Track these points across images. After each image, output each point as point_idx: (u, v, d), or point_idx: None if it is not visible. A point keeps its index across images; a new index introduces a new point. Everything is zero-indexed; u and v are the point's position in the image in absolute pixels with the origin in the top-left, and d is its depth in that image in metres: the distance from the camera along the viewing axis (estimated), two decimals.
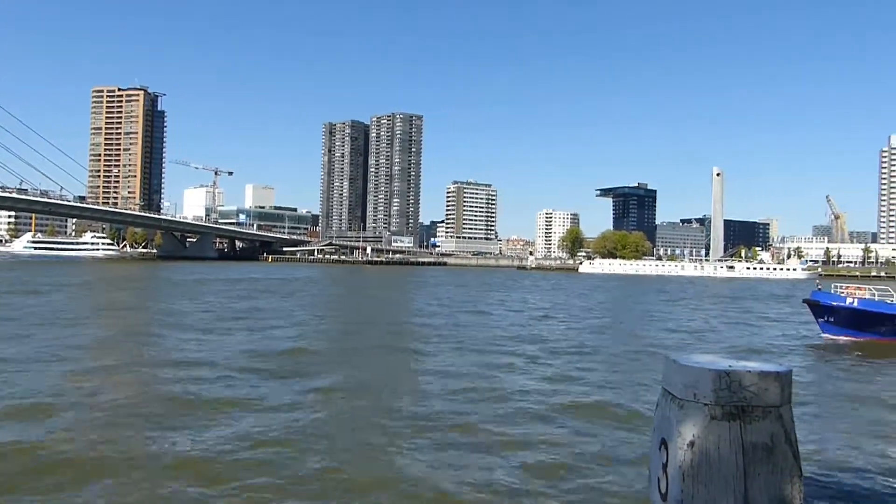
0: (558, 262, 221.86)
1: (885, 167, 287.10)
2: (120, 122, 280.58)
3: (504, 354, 22.71)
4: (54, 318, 30.09)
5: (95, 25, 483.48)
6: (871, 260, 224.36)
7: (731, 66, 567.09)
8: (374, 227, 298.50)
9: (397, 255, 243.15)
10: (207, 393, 15.13)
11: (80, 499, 8.88)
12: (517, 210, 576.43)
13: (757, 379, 2.55)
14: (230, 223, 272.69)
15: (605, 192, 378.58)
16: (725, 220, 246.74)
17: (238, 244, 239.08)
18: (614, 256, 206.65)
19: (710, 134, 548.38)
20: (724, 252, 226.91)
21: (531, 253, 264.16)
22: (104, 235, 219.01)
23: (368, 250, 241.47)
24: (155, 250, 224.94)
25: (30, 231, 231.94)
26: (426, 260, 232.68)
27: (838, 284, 30.67)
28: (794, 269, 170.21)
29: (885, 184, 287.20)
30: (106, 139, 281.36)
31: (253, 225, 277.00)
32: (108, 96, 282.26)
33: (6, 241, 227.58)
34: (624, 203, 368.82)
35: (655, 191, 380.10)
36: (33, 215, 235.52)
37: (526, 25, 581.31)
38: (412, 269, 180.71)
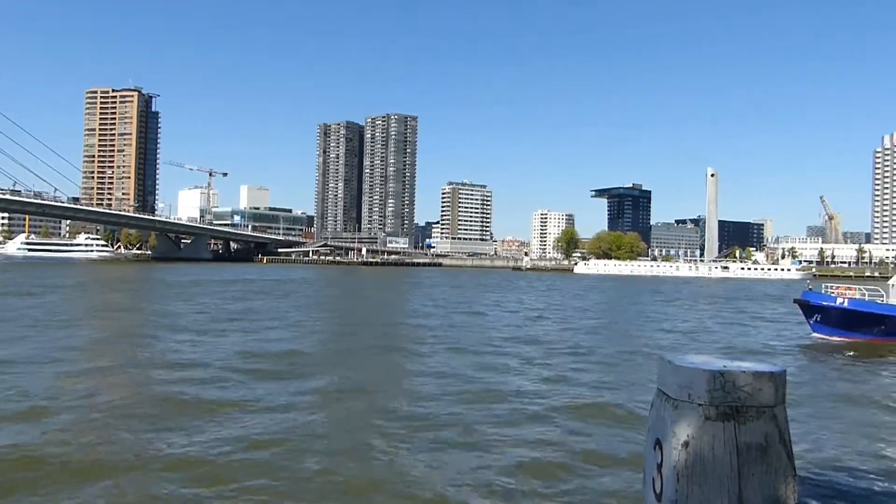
0: (553, 262, 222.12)
1: (878, 168, 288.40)
2: (114, 124, 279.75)
3: (500, 355, 22.72)
4: (48, 320, 29.98)
5: (88, 26, 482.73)
6: (865, 260, 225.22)
7: (727, 68, 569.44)
8: (369, 228, 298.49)
9: (392, 257, 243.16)
10: (203, 394, 15.11)
11: (77, 499, 8.87)
12: (512, 211, 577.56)
13: (751, 379, 2.55)
14: (225, 224, 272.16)
15: (600, 193, 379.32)
16: (720, 221, 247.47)
17: (233, 245, 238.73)
18: (609, 257, 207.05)
19: (705, 135, 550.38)
20: (719, 252, 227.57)
21: (526, 254, 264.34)
22: (98, 237, 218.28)
23: (363, 251, 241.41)
24: (149, 252, 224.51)
25: (23, 233, 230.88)
26: (421, 261, 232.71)
27: (828, 285, 30.83)
28: (789, 270, 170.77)
29: (878, 184, 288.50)
30: (100, 140, 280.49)
31: (248, 226, 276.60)
32: (101, 97, 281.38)
33: None
34: (619, 204, 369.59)
35: (650, 191, 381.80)
36: (27, 217, 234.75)
37: (521, 26, 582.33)
38: (407, 270, 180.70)
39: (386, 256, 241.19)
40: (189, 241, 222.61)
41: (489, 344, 25.75)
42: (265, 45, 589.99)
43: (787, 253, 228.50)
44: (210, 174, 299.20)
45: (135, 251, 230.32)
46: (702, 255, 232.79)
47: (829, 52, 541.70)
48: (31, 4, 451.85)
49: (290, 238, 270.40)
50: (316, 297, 55.93)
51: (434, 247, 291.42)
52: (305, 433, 12.14)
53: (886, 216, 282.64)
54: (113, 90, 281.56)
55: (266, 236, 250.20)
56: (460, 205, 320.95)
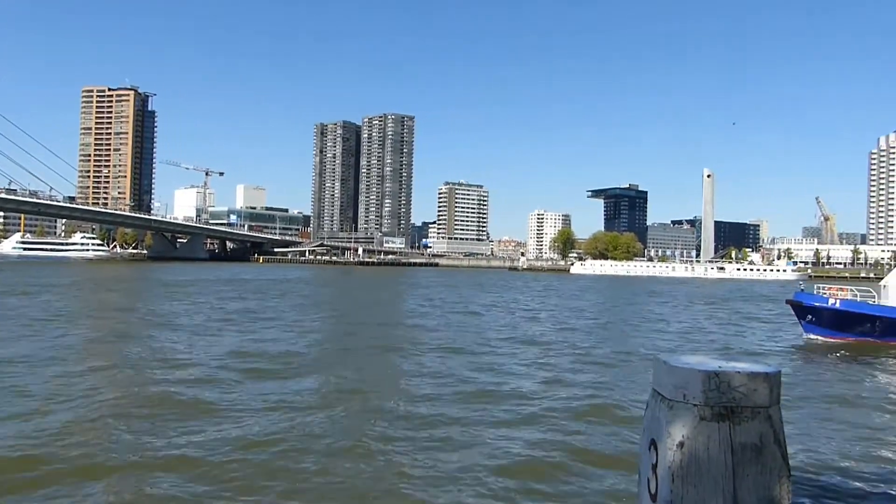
0: (550, 263, 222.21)
1: (874, 169, 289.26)
2: (110, 123, 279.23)
3: (497, 356, 22.76)
4: (44, 320, 29.92)
5: (85, 25, 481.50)
6: (861, 261, 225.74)
7: (723, 69, 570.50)
8: (365, 228, 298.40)
9: (389, 256, 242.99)
10: (200, 394, 15.10)
11: (76, 499, 8.87)
12: (509, 211, 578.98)
13: (746, 380, 2.56)
14: (221, 224, 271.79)
15: (596, 194, 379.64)
16: (716, 222, 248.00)
17: (229, 245, 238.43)
18: (605, 257, 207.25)
19: (701, 136, 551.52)
20: (715, 253, 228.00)
21: (523, 254, 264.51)
22: (94, 236, 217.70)
23: (360, 251, 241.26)
24: (145, 251, 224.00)
25: (19, 232, 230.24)
26: (418, 261, 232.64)
27: (820, 285, 30.98)
28: (784, 271, 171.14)
29: (874, 186, 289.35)
30: (96, 139, 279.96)
31: (244, 226, 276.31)
32: (97, 96, 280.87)
33: None
34: (615, 204, 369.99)
35: (646, 192, 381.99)
36: (22, 216, 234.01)
37: (518, 27, 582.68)
38: (404, 269, 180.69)
39: (382, 256, 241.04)
40: (185, 241, 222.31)
41: (486, 344, 25.78)
42: (262, 44, 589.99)
43: (782, 254, 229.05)
44: (206, 173, 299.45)
45: (131, 250, 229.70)
46: (698, 255, 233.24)
47: (826, 54, 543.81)
48: (27, 4, 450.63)
49: (287, 238, 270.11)
50: (313, 297, 55.88)
51: (430, 247, 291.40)
52: (303, 433, 12.15)
53: (882, 217, 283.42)
54: (109, 89, 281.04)
55: (262, 236, 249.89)
56: (457, 205, 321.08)
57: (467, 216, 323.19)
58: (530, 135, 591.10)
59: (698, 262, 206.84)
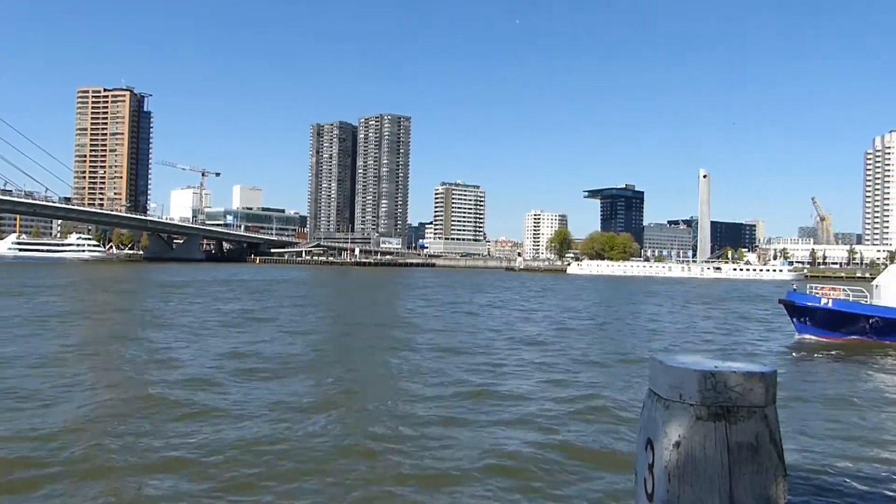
0: (546, 263, 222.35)
1: (869, 169, 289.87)
2: (106, 123, 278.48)
3: (494, 356, 22.79)
4: (39, 321, 29.85)
5: (80, 25, 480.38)
6: (857, 261, 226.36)
7: (720, 70, 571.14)
8: (362, 229, 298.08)
9: (386, 257, 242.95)
10: (196, 396, 15.10)
11: (75, 499, 8.86)
12: (505, 211, 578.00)
13: (742, 379, 2.57)
14: (217, 224, 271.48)
15: (592, 194, 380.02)
16: (712, 222, 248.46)
17: (225, 245, 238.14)
18: (602, 258, 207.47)
19: (698, 136, 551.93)
20: (711, 253, 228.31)
21: (519, 254, 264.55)
22: (90, 237, 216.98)
23: (356, 251, 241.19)
24: (141, 252, 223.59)
25: (14, 232, 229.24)
26: (414, 261, 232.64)
27: (813, 285, 31.12)
28: (780, 271, 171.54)
29: (869, 186, 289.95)
30: (91, 140, 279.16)
31: (240, 226, 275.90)
32: (93, 97, 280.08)
33: None
34: (612, 204, 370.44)
35: (643, 192, 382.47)
36: (17, 217, 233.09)
37: (515, 28, 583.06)
38: (401, 270, 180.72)
39: (379, 257, 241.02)
40: (181, 242, 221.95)
41: (483, 345, 25.81)
42: (258, 44, 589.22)
43: (778, 254, 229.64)
44: (202, 174, 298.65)
45: (127, 251, 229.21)
46: (694, 255, 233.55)
47: (822, 55, 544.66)
48: (23, 3, 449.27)
49: (283, 238, 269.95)
50: (310, 298, 55.85)
51: (427, 247, 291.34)
52: (301, 434, 12.15)
53: (877, 217, 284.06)
54: (105, 90, 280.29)
55: (259, 236, 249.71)
56: (453, 205, 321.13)
57: (464, 216, 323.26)
58: (527, 135, 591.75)
59: (695, 262, 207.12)
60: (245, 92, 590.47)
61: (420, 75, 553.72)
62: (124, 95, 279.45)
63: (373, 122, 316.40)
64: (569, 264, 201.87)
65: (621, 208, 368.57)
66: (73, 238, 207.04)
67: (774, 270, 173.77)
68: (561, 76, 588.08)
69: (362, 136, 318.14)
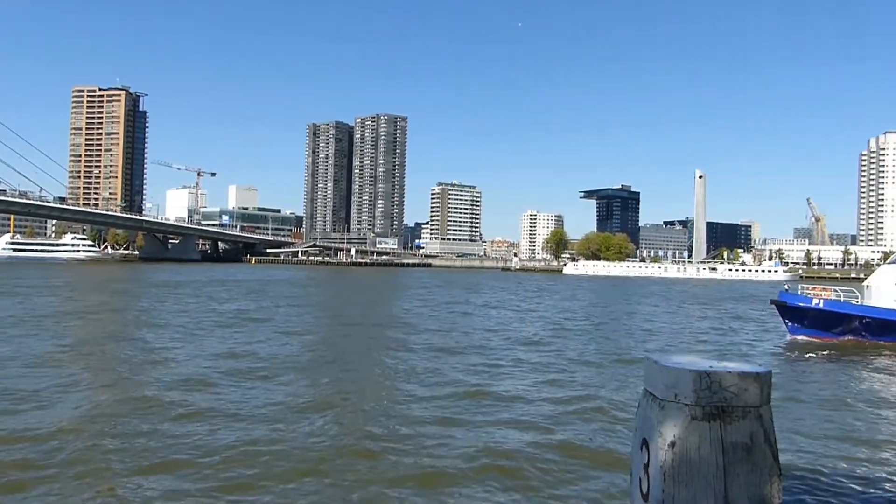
0: (542, 263, 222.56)
1: (864, 170, 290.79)
2: (101, 123, 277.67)
3: (490, 357, 22.81)
4: (34, 321, 29.76)
5: (76, 25, 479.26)
6: (851, 262, 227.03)
7: (715, 71, 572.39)
8: (358, 229, 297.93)
9: (382, 257, 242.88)
10: (193, 397, 15.08)
11: (73, 499, 8.85)
12: (502, 212, 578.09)
13: (737, 379, 2.58)
14: (213, 224, 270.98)
15: (588, 194, 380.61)
16: (708, 223, 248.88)
17: (221, 246, 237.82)
18: (598, 258, 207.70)
19: (693, 137, 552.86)
20: (707, 254, 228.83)
21: (515, 254, 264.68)
22: (85, 237, 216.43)
23: (353, 252, 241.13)
24: (137, 252, 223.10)
25: (8, 232, 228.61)
26: (410, 261, 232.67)
27: (804, 286, 31.22)
28: (776, 271, 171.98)
29: (864, 187, 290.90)
30: (87, 140, 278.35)
31: (236, 226, 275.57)
32: (88, 96, 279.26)
33: None
34: (608, 205, 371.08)
35: (639, 193, 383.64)
36: (12, 217, 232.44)
37: (511, 29, 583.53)
38: (397, 270, 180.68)
39: (375, 257, 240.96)
40: (177, 242, 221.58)
41: (480, 345, 25.84)
42: (254, 45, 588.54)
43: (774, 254, 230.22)
44: (198, 174, 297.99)
45: (122, 251, 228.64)
46: (690, 256, 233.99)
47: (817, 56, 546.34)
48: (19, 2, 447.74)
49: (279, 238, 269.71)
50: (306, 298, 55.81)
51: (423, 247, 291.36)
52: (298, 434, 12.16)
53: (872, 218, 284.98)
54: (100, 89, 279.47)
55: (255, 236, 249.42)
56: (450, 205, 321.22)
57: (460, 217, 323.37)
58: (523, 135, 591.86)
59: (690, 262, 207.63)
60: (241, 92, 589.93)
61: (416, 75, 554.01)
62: (120, 95, 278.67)
63: (369, 122, 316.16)
64: (565, 265, 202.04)
65: (617, 209, 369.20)
66: (67, 238, 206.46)
67: (770, 271, 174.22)
68: (557, 77, 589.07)
69: (359, 136, 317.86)
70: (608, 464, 10.72)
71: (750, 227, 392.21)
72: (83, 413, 13.31)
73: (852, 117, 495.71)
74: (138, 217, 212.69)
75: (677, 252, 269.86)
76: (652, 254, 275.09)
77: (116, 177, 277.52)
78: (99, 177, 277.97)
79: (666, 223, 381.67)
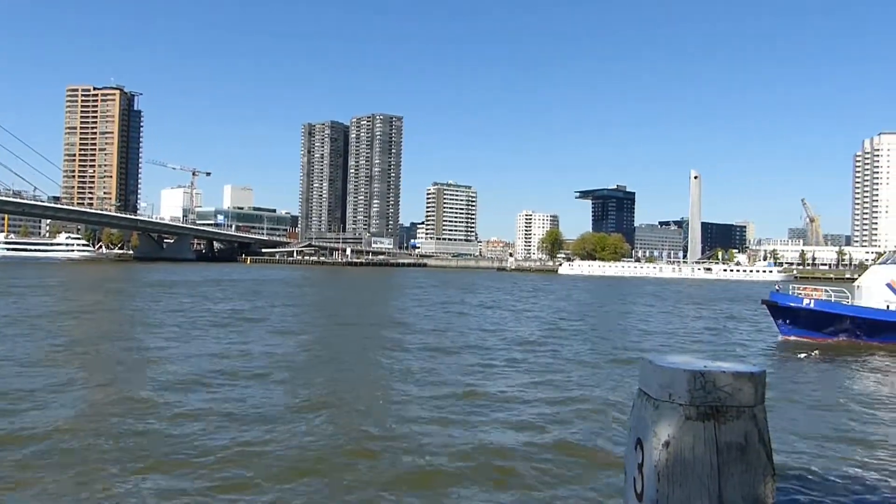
0: (538, 263, 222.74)
1: (858, 171, 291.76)
2: (95, 122, 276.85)
3: (486, 357, 22.83)
4: (29, 321, 29.66)
5: (70, 24, 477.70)
6: (846, 262, 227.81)
7: (710, 71, 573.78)
8: (353, 229, 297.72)
9: (378, 257, 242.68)
10: (185, 397, 15.06)
11: (64, 500, 8.84)
12: (497, 212, 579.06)
13: (731, 379, 2.57)
14: (208, 224, 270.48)
15: (584, 195, 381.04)
16: (703, 223, 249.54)
17: (216, 245, 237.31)
18: (593, 258, 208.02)
19: (688, 137, 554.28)
20: (702, 254, 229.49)
21: (511, 254, 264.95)
22: (79, 236, 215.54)
23: (348, 251, 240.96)
24: (131, 251, 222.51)
25: (2, 232, 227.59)
26: (406, 261, 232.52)
27: (795, 286, 31.32)
28: (771, 272, 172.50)
29: (858, 188, 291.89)
30: (81, 139, 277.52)
31: (231, 226, 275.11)
32: (82, 95, 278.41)
33: None
34: (603, 205, 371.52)
35: (634, 193, 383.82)
36: (6, 216, 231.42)
37: (507, 30, 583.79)
38: (392, 270, 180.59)
39: (370, 257, 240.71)
40: (172, 241, 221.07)
41: (474, 345, 25.86)
42: (250, 44, 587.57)
43: (768, 255, 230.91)
44: (193, 173, 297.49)
45: (117, 251, 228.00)
46: (685, 256, 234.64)
47: (812, 57, 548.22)
48: (16, 2, 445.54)
49: (274, 238, 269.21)
50: (301, 298, 55.74)
51: (419, 247, 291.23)
52: (292, 434, 12.16)
53: (866, 219, 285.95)
54: (94, 88, 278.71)
55: (250, 236, 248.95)
56: (445, 205, 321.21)
57: (456, 217, 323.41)
58: (518, 136, 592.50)
59: (685, 262, 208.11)
60: (237, 91, 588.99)
61: (412, 75, 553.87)
62: (114, 94, 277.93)
63: (365, 122, 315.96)
64: (560, 265, 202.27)
65: (612, 209, 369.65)
66: (62, 237, 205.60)
67: (764, 271, 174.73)
68: (553, 77, 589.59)
69: (354, 135, 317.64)
70: (603, 463, 10.75)
71: (745, 227, 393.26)
72: (78, 413, 13.28)
73: (848, 118, 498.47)
74: (133, 217, 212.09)
75: (672, 252, 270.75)
76: (647, 254, 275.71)
77: (111, 176, 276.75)
78: (93, 176, 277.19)
79: (661, 223, 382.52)
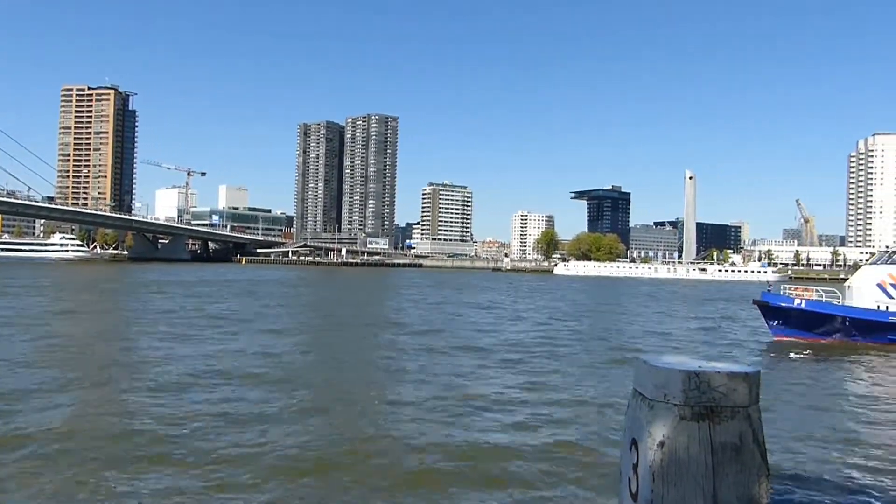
0: (533, 263, 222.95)
1: (853, 172, 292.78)
2: (90, 122, 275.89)
3: (483, 357, 22.85)
4: (20, 320, 29.57)
5: (65, 23, 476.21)
6: (840, 263, 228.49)
7: (706, 72, 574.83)
8: (349, 229, 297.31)
9: (373, 257, 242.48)
10: (180, 398, 15.05)
11: (61, 500, 8.84)
12: (493, 212, 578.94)
13: (726, 379, 2.59)
14: (203, 224, 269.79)
15: (579, 195, 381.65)
16: (698, 223, 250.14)
17: (211, 245, 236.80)
18: (589, 258, 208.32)
19: (684, 137, 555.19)
20: (697, 254, 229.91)
21: (506, 255, 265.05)
22: (74, 237, 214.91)
23: (343, 252, 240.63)
24: (126, 252, 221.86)
25: None
26: (401, 262, 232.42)
27: (787, 286, 31.44)
28: (765, 272, 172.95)
29: (852, 188, 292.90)
30: (75, 139, 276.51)
31: (226, 226, 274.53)
32: (77, 95, 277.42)
33: None
34: (598, 205, 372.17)
35: (629, 193, 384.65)
36: None
37: (502, 30, 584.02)
38: (388, 270, 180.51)
39: (366, 257, 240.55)
40: (167, 241, 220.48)
41: (470, 346, 25.87)
42: (246, 44, 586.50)
43: (763, 255, 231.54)
44: (188, 174, 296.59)
45: (111, 251, 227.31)
46: (680, 256, 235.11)
47: (809, 58, 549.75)
48: (15, 1, 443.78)
49: (270, 238, 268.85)
50: (296, 299, 55.72)
51: (414, 247, 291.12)
52: (288, 434, 12.17)
53: (860, 220, 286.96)
54: (89, 88, 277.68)
55: (245, 236, 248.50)
56: (441, 206, 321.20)
57: (451, 217, 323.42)
58: (514, 136, 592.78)
59: (680, 263, 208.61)
60: (231, 91, 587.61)
61: (412, 75, 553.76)
62: (109, 94, 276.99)
63: (360, 122, 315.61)
64: (556, 265, 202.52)
65: (608, 209, 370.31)
66: (56, 238, 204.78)
67: (759, 272, 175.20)
68: (553, 77, 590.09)
69: (349, 135, 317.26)
70: (598, 464, 10.79)
71: (740, 227, 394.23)
72: (74, 414, 13.27)
73: (842, 119, 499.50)
74: (127, 217, 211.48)
75: (667, 253, 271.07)
76: (642, 254, 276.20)
77: (105, 176, 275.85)
78: (88, 176, 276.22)
79: (656, 224, 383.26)
